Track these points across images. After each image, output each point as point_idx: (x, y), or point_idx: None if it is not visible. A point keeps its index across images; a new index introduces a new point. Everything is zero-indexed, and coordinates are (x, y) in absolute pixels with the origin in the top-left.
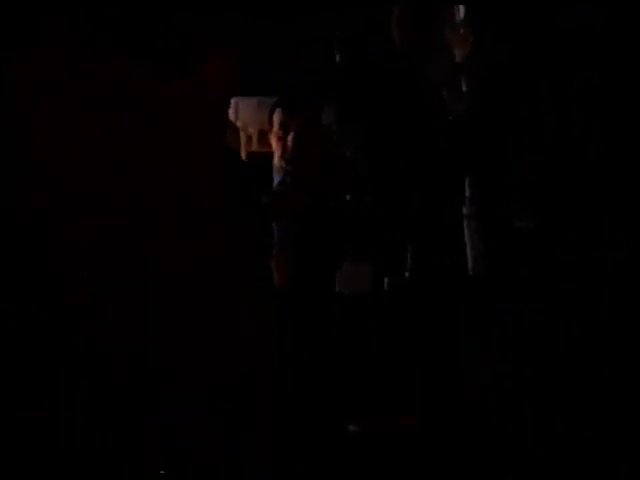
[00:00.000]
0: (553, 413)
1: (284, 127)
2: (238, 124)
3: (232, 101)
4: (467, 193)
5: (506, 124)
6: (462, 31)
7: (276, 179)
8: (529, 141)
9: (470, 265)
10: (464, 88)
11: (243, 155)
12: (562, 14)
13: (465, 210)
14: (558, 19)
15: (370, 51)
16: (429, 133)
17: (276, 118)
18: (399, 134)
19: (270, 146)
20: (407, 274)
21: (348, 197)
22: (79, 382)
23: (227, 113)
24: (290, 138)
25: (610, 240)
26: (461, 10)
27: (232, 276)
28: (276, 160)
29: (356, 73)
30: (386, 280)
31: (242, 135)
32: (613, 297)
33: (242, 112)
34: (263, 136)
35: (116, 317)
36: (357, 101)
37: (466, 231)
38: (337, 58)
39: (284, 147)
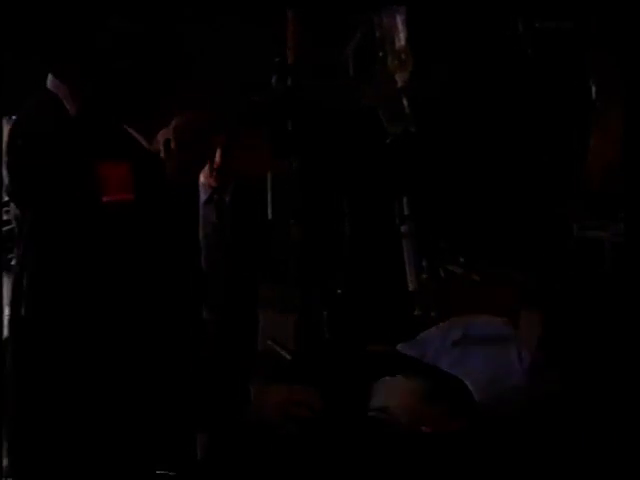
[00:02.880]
0: None
1: None
2: None
3: None
4: (405, 212)
5: (443, 146)
6: (403, 57)
7: (203, 196)
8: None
9: (409, 282)
10: (407, 111)
11: None
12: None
13: (403, 228)
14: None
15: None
16: (366, 154)
17: None
18: (335, 155)
19: None
20: (339, 291)
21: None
22: None
23: None
24: (217, 155)
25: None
26: (402, 36)
27: None
28: (202, 178)
29: (292, 96)
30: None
31: None
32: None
33: None
34: None
35: None
36: (293, 124)
37: (405, 249)
38: (273, 81)
39: (210, 164)
